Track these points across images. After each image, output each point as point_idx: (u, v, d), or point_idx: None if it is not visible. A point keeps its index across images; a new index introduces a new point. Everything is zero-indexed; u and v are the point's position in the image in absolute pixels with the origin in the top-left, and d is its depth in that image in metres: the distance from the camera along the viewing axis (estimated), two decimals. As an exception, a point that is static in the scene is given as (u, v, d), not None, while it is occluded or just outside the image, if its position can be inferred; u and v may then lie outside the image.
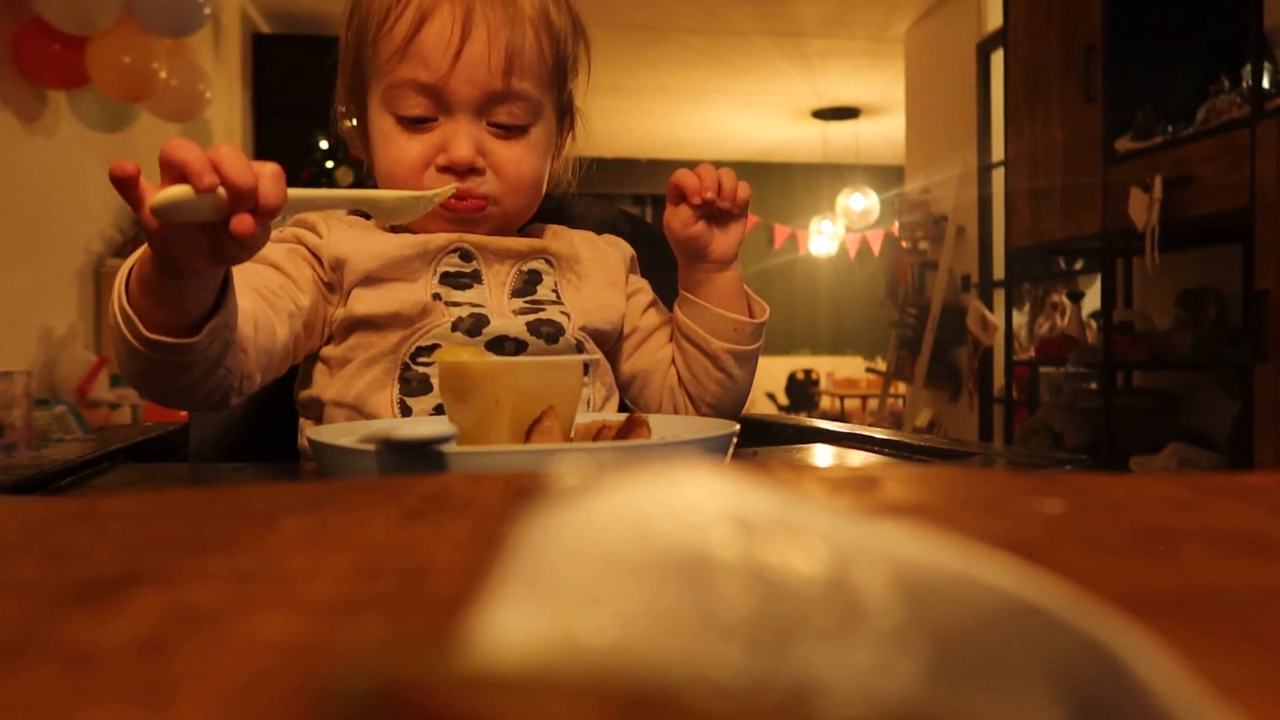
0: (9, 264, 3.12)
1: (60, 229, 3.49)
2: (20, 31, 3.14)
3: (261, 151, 5.41)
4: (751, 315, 0.92)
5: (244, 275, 0.82)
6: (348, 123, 0.98)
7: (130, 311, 0.67)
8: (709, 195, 0.86)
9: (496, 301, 0.89)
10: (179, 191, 0.60)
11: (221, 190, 0.60)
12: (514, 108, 0.87)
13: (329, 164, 4.79)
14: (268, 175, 0.62)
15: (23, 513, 0.31)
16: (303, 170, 4.82)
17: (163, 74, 3.43)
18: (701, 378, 0.92)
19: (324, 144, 4.82)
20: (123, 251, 3.94)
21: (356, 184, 4.33)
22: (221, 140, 5.02)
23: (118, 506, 0.30)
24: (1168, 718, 0.12)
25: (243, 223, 0.61)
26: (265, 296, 0.81)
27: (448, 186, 0.82)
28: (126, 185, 0.61)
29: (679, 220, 0.88)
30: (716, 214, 0.89)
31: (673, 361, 0.97)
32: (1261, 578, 0.24)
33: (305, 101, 5.77)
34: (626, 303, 0.99)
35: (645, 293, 1.02)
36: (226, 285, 0.70)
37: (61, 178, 3.49)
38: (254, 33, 5.51)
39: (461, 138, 0.86)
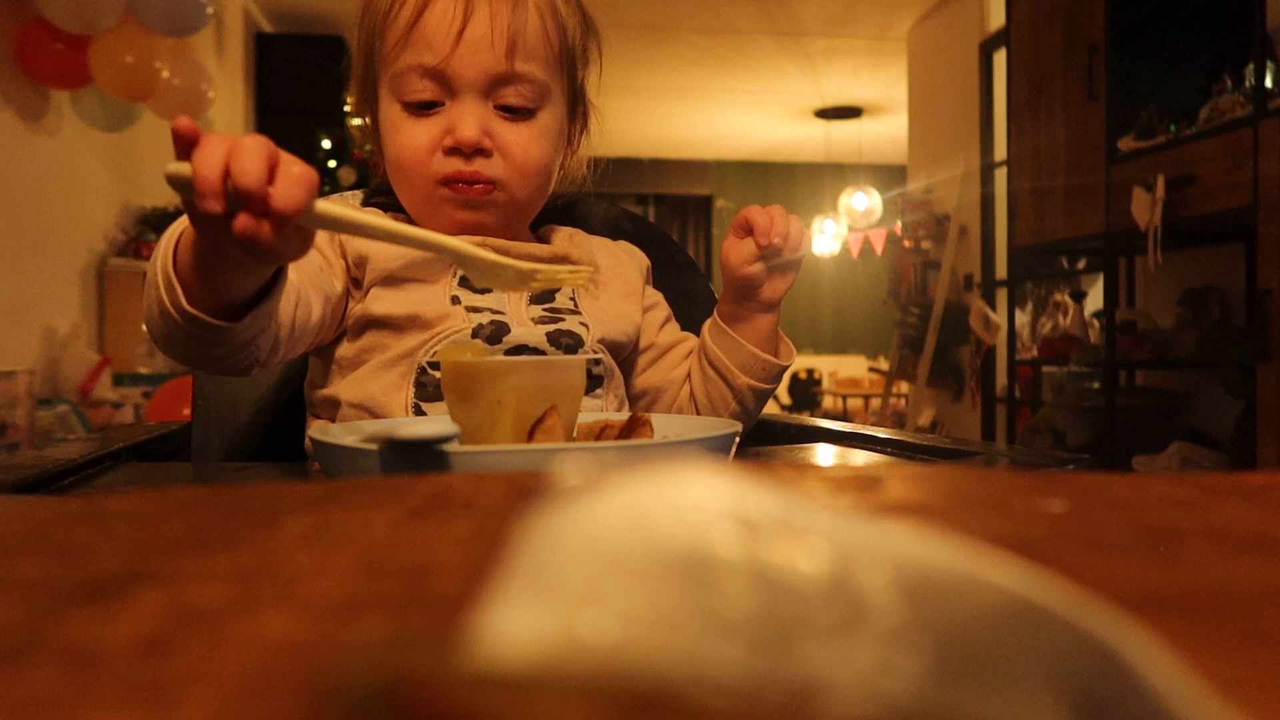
0: (11, 263, 3.12)
1: (63, 228, 3.50)
2: (23, 31, 3.14)
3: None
4: (778, 355, 0.92)
5: None
6: (361, 120, 0.98)
7: (175, 280, 0.65)
8: (776, 240, 0.85)
9: (515, 307, 0.89)
10: (187, 170, 0.58)
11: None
12: (521, 88, 0.87)
13: (331, 164, 4.79)
14: (285, 177, 0.58)
15: (26, 512, 0.31)
16: (305, 170, 4.80)
17: (165, 73, 3.44)
18: (718, 406, 0.92)
19: (327, 143, 4.82)
20: (125, 251, 3.95)
21: (360, 184, 4.32)
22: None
23: (120, 506, 0.30)
24: (1170, 717, 0.12)
25: (240, 223, 0.57)
26: (306, 274, 0.81)
27: (549, 267, 0.72)
28: (182, 142, 0.58)
29: (739, 255, 0.87)
30: (776, 259, 0.88)
31: (685, 380, 0.97)
32: (1264, 577, 0.24)
33: (308, 101, 5.77)
34: (643, 316, 0.98)
35: (661, 308, 1.02)
36: (277, 276, 0.69)
37: (64, 177, 3.50)
38: (257, 32, 5.52)
39: (468, 118, 0.86)
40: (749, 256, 0.87)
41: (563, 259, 0.93)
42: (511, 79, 0.86)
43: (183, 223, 0.67)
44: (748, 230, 0.86)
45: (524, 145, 0.88)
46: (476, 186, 0.88)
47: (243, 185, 0.56)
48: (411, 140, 0.87)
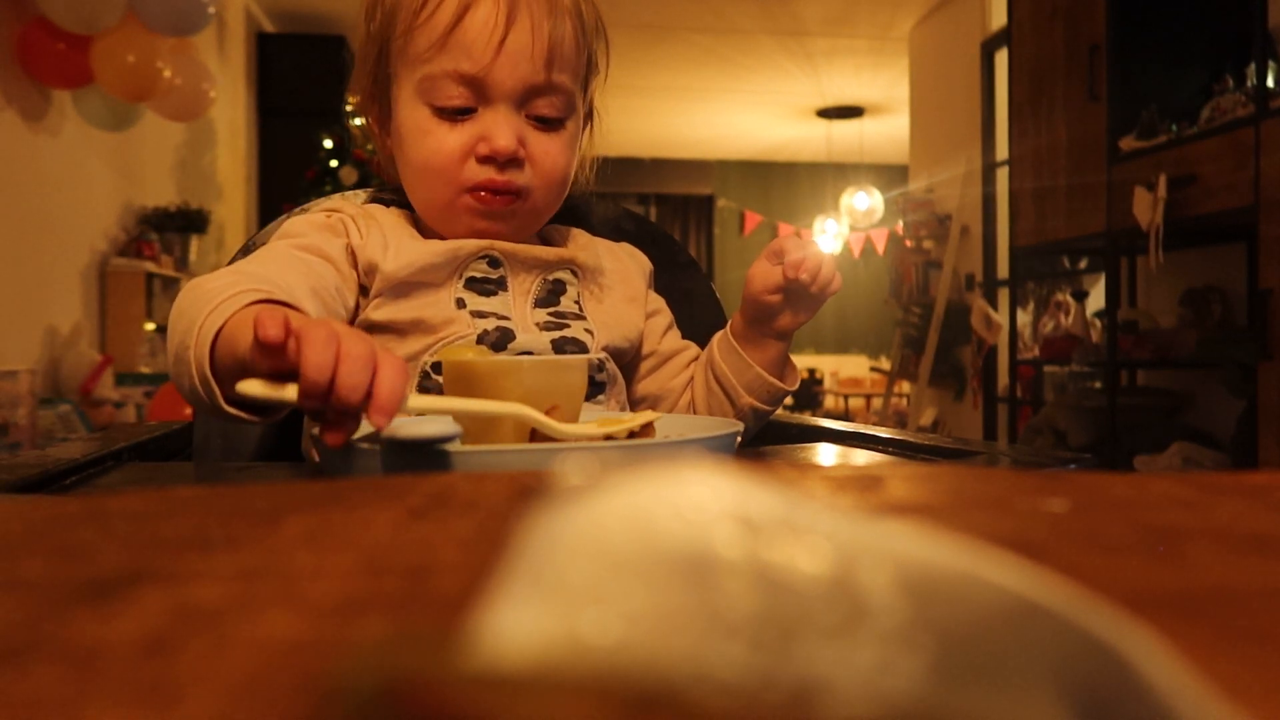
0: (13, 263, 3.12)
1: (65, 228, 3.50)
2: (25, 31, 3.15)
3: (266, 150, 5.41)
4: (783, 379, 0.91)
5: (303, 274, 0.80)
6: (363, 119, 0.97)
7: (212, 381, 0.64)
8: (804, 276, 0.83)
9: (520, 311, 0.88)
10: (271, 395, 0.55)
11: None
12: (554, 99, 0.87)
13: (333, 163, 4.79)
14: (384, 385, 0.54)
15: (27, 511, 0.31)
16: (306, 169, 4.82)
17: (167, 73, 3.44)
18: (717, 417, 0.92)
19: (328, 143, 4.82)
20: (127, 250, 3.95)
21: (361, 183, 4.32)
22: (226, 140, 5.03)
23: (122, 505, 0.30)
24: (1172, 717, 0.12)
25: (335, 438, 0.56)
26: (322, 298, 0.80)
27: (620, 426, 0.65)
28: (271, 348, 0.54)
29: (764, 282, 0.86)
30: (800, 293, 0.86)
31: (685, 388, 0.97)
32: (1266, 577, 0.24)
33: (309, 100, 5.76)
34: (646, 322, 0.98)
35: (664, 314, 1.01)
36: None
37: (66, 177, 3.50)
38: (258, 31, 5.52)
39: (504, 127, 0.85)
40: (773, 285, 0.86)
41: (568, 262, 0.93)
42: (547, 89, 0.86)
43: (214, 313, 0.65)
44: (780, 258, 0.85)
45: (554, 155, 0.88)
46: (501, 198, 0.87)
47: (347, 401, 0.54)
48: (443, 146, 0.86)
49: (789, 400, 0.96)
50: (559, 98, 0.87)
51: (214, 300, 0.66)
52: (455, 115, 0.86)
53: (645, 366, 0.98)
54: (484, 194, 0.86)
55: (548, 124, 0.88)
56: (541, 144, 0.87)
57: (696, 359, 0.99)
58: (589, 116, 0.98)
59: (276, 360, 0.55)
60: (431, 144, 0.87)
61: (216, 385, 0.64)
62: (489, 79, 0.84)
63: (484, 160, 0.86)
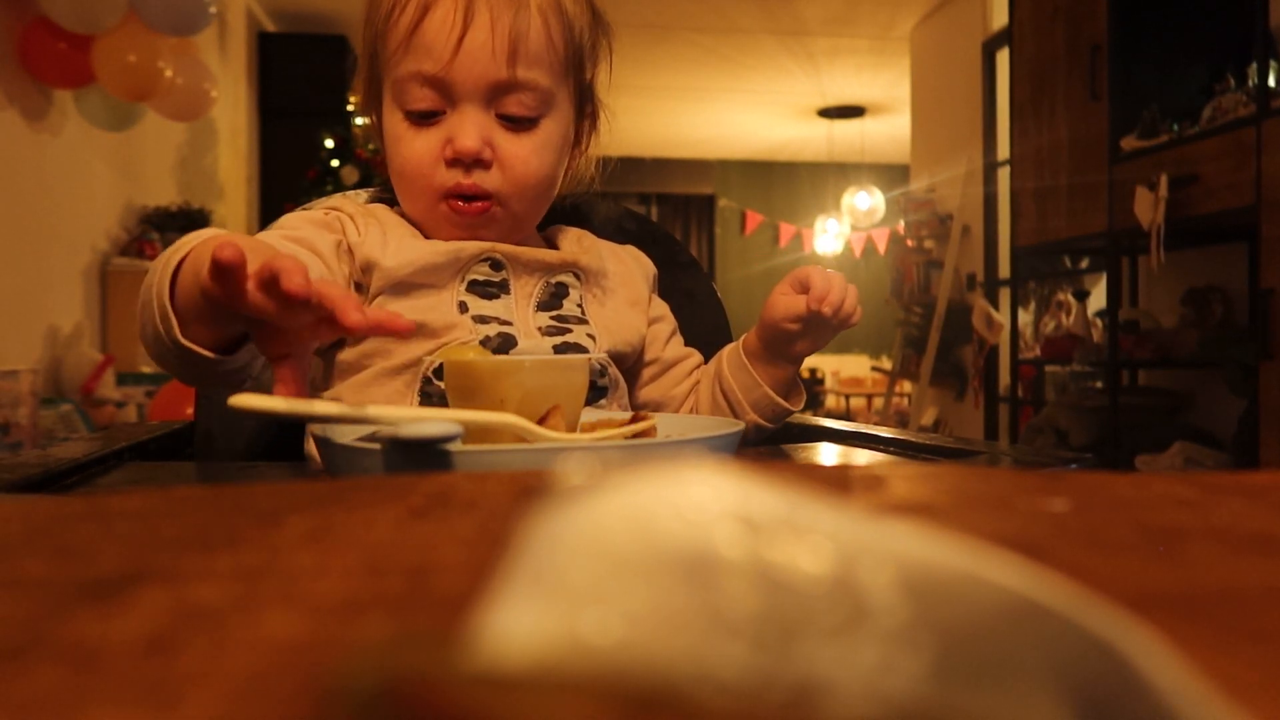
0: (15, 263, 3.12)
1: (66, 228, 3.50)
2: (26, 30, 3.15)
3: (267, 150, 5.41)
4: (788, 398, 0.91)
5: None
6: (366, 120, 0.97)
7: (170, 314, 0.65)
8: (826, 310, 0.83)
9: (522, 315, 0.88)
10: (259, 405, 0.55)
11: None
12: (523, 97, 0.85)
13: (334, 163, 4.79)
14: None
15: (29, 511, 0.31)
16: (307, 169, 4.82)
17: (168, 73, 3.44)
18: None
19: (329, 143, 4.82)
20: (128, 250, 3.95)
21: (362, 183, 4.32)
22: (228, 140, 5.03)
23: (123, 505, 0.30)
24: (1174, 717, 0.12)
25: (287, 388, 0.59)
26: None
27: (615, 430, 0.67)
28: (228, 272, 0.55)
29: (785, 310, 0.85)
30: (820, 323, 0.86)
31: (688, 396, 0.97)
32: (1268, 576, 0.24)
33: (311, 100, 5.76)
34: (649, 328, 0.98)
35: (668, 320, 1.01)
36: None
37: (67, 177, 3.50)
38: (260, 31, 5.52)
39: (468, 127, 0.84)
40: (794, 314, 0.85)
41: (571, 265, 0.92)
42: (513, 87, 0.84)
43: (177, 252, 0.67)
44: (803, 287, 0.85)
45: (524, 158, 0.86)
46: (476, 204, 0.86)
47: (332, 299, 0.55)
48: (414, 152, 0.86)
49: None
50: (529, 95, 0.85)
51: (184, 247, 0.67)
52: (424, 119, 0.85)
53: (648, 374, 0.98)
54: (458, 203, 0.86)
55: (518, 123, 0.86)
56: (511, 146, 0.86)
57: (699, 367, 0.99)
58: (591, 112, 0.96)
59: (228, 287, 0.55)
60: (403, 149, 0.86)
61: (175, 319, 0.65)
62: (450, 78, 0.83)
63: (451, 163, 0.85)
